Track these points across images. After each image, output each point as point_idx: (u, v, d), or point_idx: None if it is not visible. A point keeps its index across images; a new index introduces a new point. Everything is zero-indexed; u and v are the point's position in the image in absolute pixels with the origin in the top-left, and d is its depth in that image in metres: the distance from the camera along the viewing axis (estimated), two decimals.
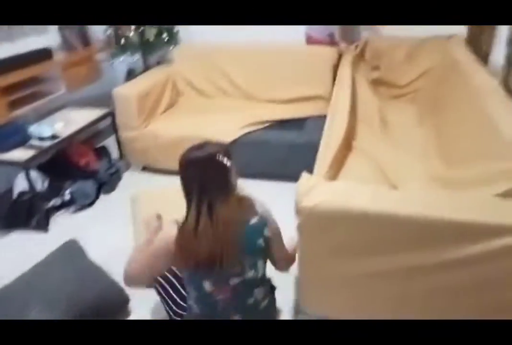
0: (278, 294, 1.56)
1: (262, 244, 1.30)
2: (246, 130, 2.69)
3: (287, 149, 2.58)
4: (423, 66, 2.83)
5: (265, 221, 1.31)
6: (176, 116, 2.99)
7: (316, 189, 1.35)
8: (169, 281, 1.52)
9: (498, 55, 2.09)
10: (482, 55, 2.36)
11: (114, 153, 2.99)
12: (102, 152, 2.94)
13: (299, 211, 1.33)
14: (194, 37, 3.46)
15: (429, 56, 2.84)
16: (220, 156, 1.25)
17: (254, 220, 1.29)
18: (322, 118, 2.78)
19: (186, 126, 2.79)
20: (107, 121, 2.95)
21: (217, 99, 3.23)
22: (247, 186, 2.41)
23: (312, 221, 1.34)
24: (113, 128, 2.93)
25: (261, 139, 2.64)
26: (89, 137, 3.17)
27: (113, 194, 2.70)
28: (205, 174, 1.24)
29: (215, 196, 1.25)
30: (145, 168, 2.95)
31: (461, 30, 2.79)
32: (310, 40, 3.03)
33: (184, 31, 3.34)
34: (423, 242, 1.25)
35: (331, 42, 2.94)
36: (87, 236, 2.15)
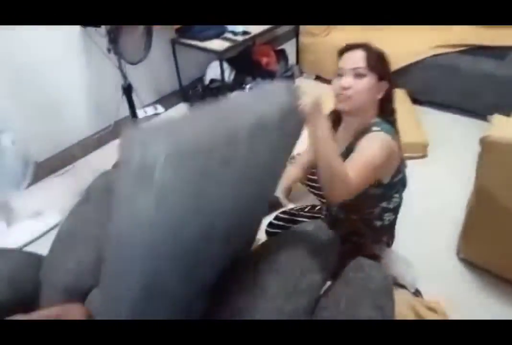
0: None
1: None
2: (436, 51, 2.48)
3: (480, 79, 2.33)
4: None
5: None
6: (358, 29, 2.84)
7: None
8: None
9: None
10: None
11: (291, 58, 3.09)
12: (281, 55, 3.06)
13: (486, 142, 1.32)
14: None
15: None
16: None
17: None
18: None
19: (367, 39, 2.66)
20: (289, 26, 2.99)
21: None
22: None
23: (499, 155, 1.31)
24: (295, 33, 2.98)
25: (451, 64, 2.42)
26: (270, 39, 3.30)
27: None
28: None
29: None
30: (318, 77, 3.01)
31: None
32: None
33: None
34: None
35: None
36: None
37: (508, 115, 2.13)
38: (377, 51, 1.25)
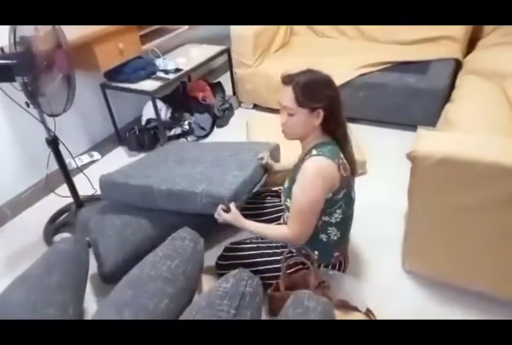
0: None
1: None
2: (361, 71, 2.58)
3: (405, 94, 2.44)
4: None
5: None
6: (288, 56, 2.96)
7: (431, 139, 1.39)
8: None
9: None
10: None
11: (228, 90, 3.12)
12: (217, 88, 3.08)
13: (411, 157, 1.36)
14: None
15: None
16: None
17: None
18: (448, 62, 2.56)
19: (298, 66, 2.75)
20: (223, 58, 3.04)
21: (334, 40, 3.11)
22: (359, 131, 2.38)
23: (425, 168, 1.35)
24: (229, 65, 3.02)
25: (377, 82, 2.52)
26: (206, 73, 3.33)
27: (225, 128, 2.87)
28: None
29: None
30: (256, 106, 3.04)
31: None
32: None
33: None
34: None
35: None
36: None
37: (434, 125, 2.22)
38: (308, 82, 1.30)
